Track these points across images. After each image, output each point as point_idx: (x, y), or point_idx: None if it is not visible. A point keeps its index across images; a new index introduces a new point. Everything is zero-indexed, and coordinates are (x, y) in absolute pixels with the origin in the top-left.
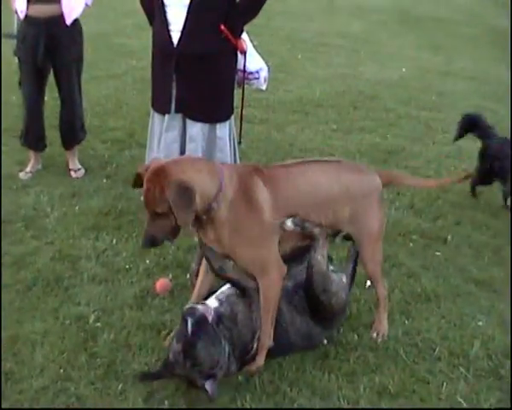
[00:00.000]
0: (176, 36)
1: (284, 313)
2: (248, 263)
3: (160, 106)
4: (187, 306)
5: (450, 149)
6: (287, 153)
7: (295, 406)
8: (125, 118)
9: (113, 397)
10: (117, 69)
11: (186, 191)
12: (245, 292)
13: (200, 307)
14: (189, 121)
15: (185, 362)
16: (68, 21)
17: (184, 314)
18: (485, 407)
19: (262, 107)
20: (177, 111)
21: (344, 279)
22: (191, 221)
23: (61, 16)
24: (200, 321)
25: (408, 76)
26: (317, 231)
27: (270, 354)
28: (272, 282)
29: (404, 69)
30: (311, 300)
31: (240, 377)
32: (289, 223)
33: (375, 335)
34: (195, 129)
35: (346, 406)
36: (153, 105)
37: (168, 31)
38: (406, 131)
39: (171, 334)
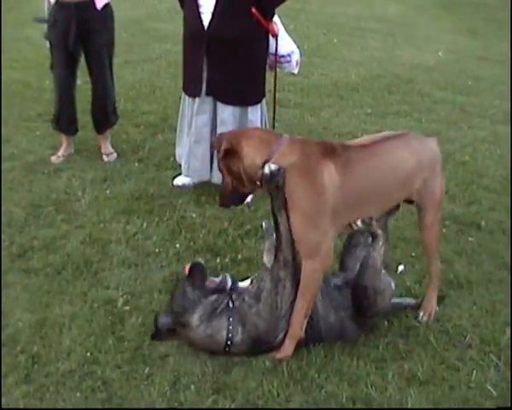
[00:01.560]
0: (206, 18)
1: (318, 309)
2: (299, 239)
3: (191, 89)
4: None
5: (485, 133)
6: (320, 137)
7: (323, 393)
8: (158, 102)
9: (139, 381)
10: (151, 53)
11: (219, 144)
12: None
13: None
14: (219, 105)
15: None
16: (99, 6)
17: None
18: None
19: (297, 91)
20: (207, 94)
21: (393, 285)
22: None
23: (92, 0)
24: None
25: (444, 60)
26: (379, 232)
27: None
28: (316, 267)
29: (440, 53)
30: (357, 294)
31: (267, 363)
32: (359, 223)
33: (421, 314)
34: (226, 112)
35: (373, 393)
36: (184, 88)
37: (199, 13)
38: (441, 115)
39: None
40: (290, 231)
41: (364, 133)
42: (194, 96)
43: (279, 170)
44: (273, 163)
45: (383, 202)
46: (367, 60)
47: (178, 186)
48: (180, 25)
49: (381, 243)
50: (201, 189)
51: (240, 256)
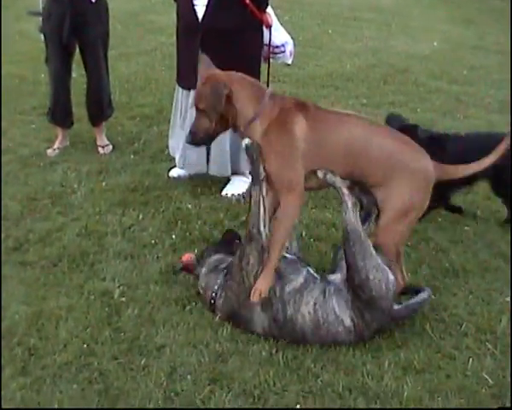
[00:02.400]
0: (200, 11)
1: (306, 320)
2: (277, 178)
3: (186, 81)
4: None
5: (480, 123)
6: None
7: (319, 382)
8: (153, 94)
9: (136, 372)
10: (146, 46)
11: (218, 90)
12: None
13: None
14: None
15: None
16: None
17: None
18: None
19: (292, 82)
20: None
21: (390, 277)
22: (215, 118)
23: None
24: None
25: (439, 50)
26: (345, 191)
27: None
28: (294, 201)
29: (435, 43)
30: (349, 270)
31: (264, 353)
32: (320, 173)
33: None
34: None
35: (370, 382)
36: (178, 81)
37: (193, 6)
38: (437, 105)
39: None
40: (257, 205)
41: None
42: (189, 89)
43: (253, 144)
44: (248, 138)
45: (335, 165)
46: (362, 50)
47: (174, 178)
48: (175, 17)
49: (350, 206)
50: (197, 180)
51: None
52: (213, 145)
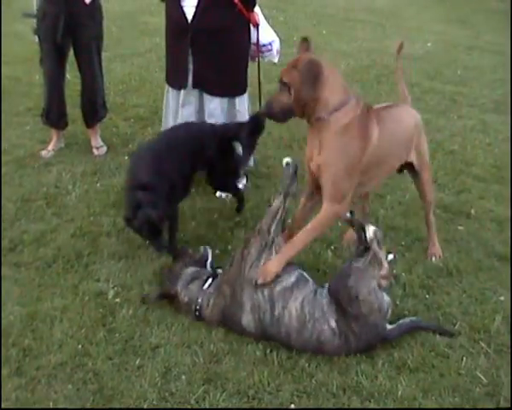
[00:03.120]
0: (190, 11)
1: (292, 318)
2: (330, 184)
3: (176, 81)
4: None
5: (474, 122)
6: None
7: (313, 382)
8: (148, 95)
9: (130, 372)
10: (141, 47)
11: (316, 68)
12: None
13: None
14: (207, 96)
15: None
16: (87, 0)
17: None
18: (505, 382)
19: None
20: (194, 87)
21: (386, 299)
22: (311, 97)
23: None
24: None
25: (434, 50)
26: (375, 248)
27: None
28: (337, 211)
29: (429, 43)
30: (340, 292)
31: (258, 353)
32: (347, 215)
33: (433, 259)
34: (213, 104)
35: (364, 381)
36: (168, 81)
37: (181, 7)
38: (431, 105)
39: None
40: (276, 211)
41: None
42: (180, 89)
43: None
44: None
45: (396, 161)
46: (356, 51)
47: None
48: None
49: (369, 258)
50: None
51: (230, 247)
52: None
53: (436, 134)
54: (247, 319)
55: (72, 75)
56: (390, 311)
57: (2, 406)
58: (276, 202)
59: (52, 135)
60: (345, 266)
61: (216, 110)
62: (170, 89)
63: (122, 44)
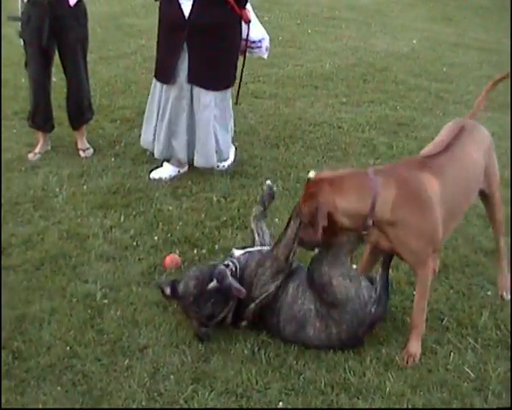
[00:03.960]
0: (186, 8)
1: (288, 294)
2: (412, 256)
3: (167, 76)
4: (221, 267)
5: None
6: (296, 127)
7: (301, 379)
8: (134, 97)
9: (119, 373)
10: (126, 49)
11: (321, 210)
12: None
13: (229, 277)
14: (201, 90)
15: (191, 304)
16: (72, 2)
17: (215, 273)
18: (493, 376)
19: (271, 82)
20: (189, 82)
21: (364, 284)
22: (318, 235)
23: None
24: (223, 288)
25: (419, 48)
26: None
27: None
28: (428, 271)
29: (414, 41)
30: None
31: (246, 352)
32: None
33: (504, 294)
34: (208, 98)
35: (352, 378)
36: (158, 76)
37: (178, 3)
38: (416, 102)
39: (193, 268)
40: (294, 238)
41: (339, 122)
42: (170, 83)
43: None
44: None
45: (469, 201)
46: (341, 49)
47: (155, 179)
48: (155, 20)
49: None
50: (178, 181)
51: (217, 247)
52: (197, 138)
53: (422, 131)
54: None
55: (57, 78)
56: (374, 295)
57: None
58: (292, 228)
59: (39, 138)
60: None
61: (210, 103)
62: (157, 83)
63: (107, 46)
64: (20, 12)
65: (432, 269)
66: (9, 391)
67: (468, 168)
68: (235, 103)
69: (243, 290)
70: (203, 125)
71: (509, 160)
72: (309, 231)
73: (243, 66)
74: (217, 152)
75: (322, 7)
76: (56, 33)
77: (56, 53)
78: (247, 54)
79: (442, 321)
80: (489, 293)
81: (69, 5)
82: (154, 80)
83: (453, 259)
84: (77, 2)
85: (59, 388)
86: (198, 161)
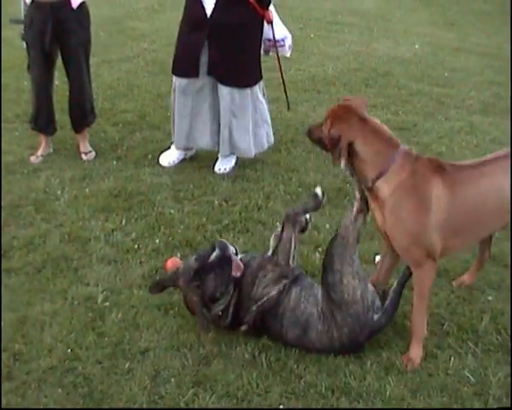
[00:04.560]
0: (209, 7)
1: (291, 298)
2: (403, 253)
3: (190, 70)
4: (222, 240)
5: (462, 124)
6: (298, 131)
7: (302, 383)
8: (136, 100)
9: (120, 376)
10: (129, 52)
11: (335, 136)
12: None
13: (231, 247)
14: (219, 85)
15: (192, 280)
16: (74, 5)
17: (216, 243)
18: (493, 381)
19: (273, 86)
20: (209, 73)
21: (370, 288)
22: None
23: (68, 0)
24: (224, 259)
25: (421, 53)
26: (357, 196)
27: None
28: (424, 274)
29: (417, 46)
30: (325, 269)
31: (246, 355)
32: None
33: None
34: (225, 92)
35: (352, 382)
36: (176, 71)
37: (201, 2)
38: (418, 107)
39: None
40: (289, 243)
41: None
42: (191, 76)
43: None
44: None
45: (486, 228)
46: (344, 54)
47: (164, 167)
48: (157, 23)
49: (354, 210)
50: (180, 185)
51: None
52: (222, 126)
53: (423, 136)
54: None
55: (60, 81)
56: (377, 302)
57: (5, 405)
58: (287, 233)
59: (41, 141)
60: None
61: (227, 97)
62: (177, 80)
63: (110, 50)
64: (22, 15)
65: (431, 273)
66: (10, 393)
67: (490, 194)
68: (288, 109)
69: (242, 266)
70: (221, 117)
71: (510, 160)
72: (321, 128)
73: (280, 67)
74: (233, 146)
75: (325, 11)
76: (59, 36)
77: (59, 56)
78: (271, 53)
79: (443, 326)
80: (490, 298)
81: (72, 8)
82: (174, 77)
83: (454, 263)
84: (79, 5)
85: (60, 390)
86: (218, 148)
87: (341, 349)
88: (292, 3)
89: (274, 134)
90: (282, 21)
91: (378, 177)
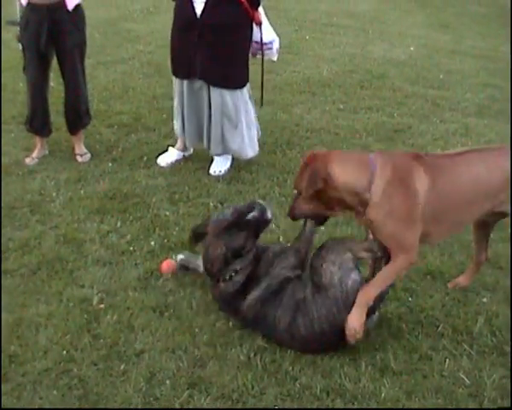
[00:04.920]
0: (199, 8)
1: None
2: (391, 240)
3: (183, 72)
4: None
5: (457, 126)
6: (293, 133)
7: (297, 384)
8: (131, 102)
9: (115, 377)
10: (124, 54)
11: (314, 174)
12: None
13: (269, 212)
14: (211, 87)
15: (222, 231)
16: (70, 7)
17: (256, 204)
18: (488, 383)
19: (269, 88)
20: (200, 78)
21: (353, 276)
22: (311, 201)
23: (63, 2)
24: (261, 221)
25: (416, 55)
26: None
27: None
28: (404, 261)
29: (412, 48)
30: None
31: (242, 357)
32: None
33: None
34: (216, 94)
35: (347, 383)
36: (175, 73)
37: (192, 2)
38: (413, 109)
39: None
40: (310, 234)
41: (336, 129)
42: (185, 78)
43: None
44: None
45: (469, 211)
46: (339, 56)
47: (162, 167)
48: (153, 25)
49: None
50: (175, 187)
51: None
52: (212, 126)
53: (418, 138)
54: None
55: (56, 83)
56: (356, 288)
57: (3, 406)
58: (309, 225)
59: (36, 142)
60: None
61: (217, 99)
62: (177, 80)
63: (105, 51)
64: (18, 16)
65: (412, 262)
66: (6, 395)
67: (466, 181)
68: (261, 106)
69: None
70: (213, 117)
71: (510, 160)
72: (299, 201)
73: (262, 68)
74: (225, 147)
75: (320, 13)
76: (54, 38)
77: (54, 58)
78: (258, 56)
79: (437, 328)
80: (484, 300)
81: (67, 10)
82: (173, 77)
83: (449, 265)
84: (75, 7)
85: (55, 392)
86: (209, 147)
87: (322, 337)
88: (287, 5)
89: (269, 136)
90: (277, 24)
91: (369, 184)
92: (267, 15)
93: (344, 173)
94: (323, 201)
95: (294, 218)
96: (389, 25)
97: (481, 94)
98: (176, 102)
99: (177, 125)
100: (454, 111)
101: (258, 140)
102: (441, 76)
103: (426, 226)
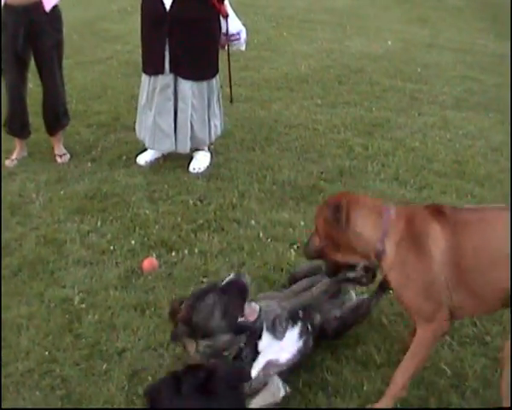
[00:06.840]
0: (168, 2)
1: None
2: (411, 309)
3: (154, 68)
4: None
5: (435, 119)
6: (271, 129)
7: None
8: (109, 102)
9: (97, 377)
10: (102, 54)
11: (334, 210)
12: None
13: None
14: (180, 80)
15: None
16: (47, 8)
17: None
18: (470, 373)
19: (247, 85)
20: (171, 71)
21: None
22: (324, 239)
23: (40, 3)
24: (241, 291)
25: (393, 49)
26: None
27: None
28: (427, 335)
29: (389, 42)
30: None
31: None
32: None
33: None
34: (186, 87)
35: (329, 377)
36: (145, 69)
37: None
38: (391, 103)
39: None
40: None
41: (314, 124)
42: (158, 74)
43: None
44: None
45: (497, 280)
46: (317, 51)
47: (141, 166)
48: (131, 25)
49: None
50: (154, 185)
51: (195, 250)
52: (177, 125)
53: (397, 131)
54: None
55: (33, 84)
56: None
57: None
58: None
59: (15, 144)
60: None
61: (188, 92)
62: (146, 77)
63: (83, 52)
64: None
65: (438, 331)
66: None
67: (494, 237)
68: (230, 102)
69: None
70: (181, 113)
71: (510, 161)
72: (314, 238)
73: (229, 61)
74: (192, 138)
75: (298, 9)
76: (32, 39)
77: (32, 59)
78: (226, 47)
79: None
80: None
81: (44, 11)
82: (143, 74)
83: None
84: (52, 8)
85: (38, 392)
86: (177, 147)
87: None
88: (264, 2)
89: (247, 133)
90: (254, 21)
91: (383, 235)
92: (232, 6)
93: (361, 220)
94: (335, 242)
95: (306, 254)
96: (367, 20)
97: (459, 87)
98: (140, 102)
99: (137, 126)
100: (432, 104)
101: (216, 132)
102: (419, 70)
103: (454, 294)
